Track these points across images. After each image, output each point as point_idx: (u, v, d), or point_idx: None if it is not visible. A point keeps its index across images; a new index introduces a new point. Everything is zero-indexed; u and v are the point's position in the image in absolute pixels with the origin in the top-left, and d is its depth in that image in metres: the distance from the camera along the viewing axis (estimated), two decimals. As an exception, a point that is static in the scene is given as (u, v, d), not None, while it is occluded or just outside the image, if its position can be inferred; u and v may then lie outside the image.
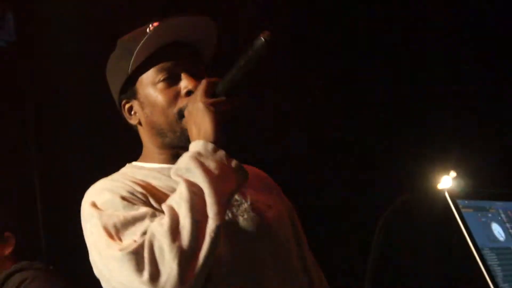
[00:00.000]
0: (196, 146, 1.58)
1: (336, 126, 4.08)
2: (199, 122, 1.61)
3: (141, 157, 1.82)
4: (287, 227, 1.78)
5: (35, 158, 3.59)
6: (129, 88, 1.76)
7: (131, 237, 1.52)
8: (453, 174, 1.54)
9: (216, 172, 1.54)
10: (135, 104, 1.77)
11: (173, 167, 1.58)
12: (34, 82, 3.65)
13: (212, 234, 1.49)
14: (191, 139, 1.62)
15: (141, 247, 1.48)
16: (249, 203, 1.71)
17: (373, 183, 4.00)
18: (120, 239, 1.54)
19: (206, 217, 1.51)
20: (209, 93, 1.61)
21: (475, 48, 4.10)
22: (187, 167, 1.55)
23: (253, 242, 1.66)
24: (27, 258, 2.63)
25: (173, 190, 1.60)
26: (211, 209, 1.51)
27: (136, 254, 1.48)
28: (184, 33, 1.74)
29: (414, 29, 4.12)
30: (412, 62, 4.12)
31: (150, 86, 1.73)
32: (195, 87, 1.66)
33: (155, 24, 1.74)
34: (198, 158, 1.55)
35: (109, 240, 1.54)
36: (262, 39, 1.53)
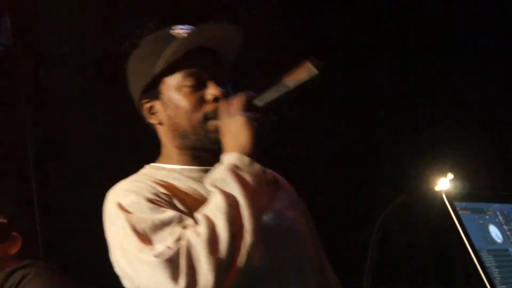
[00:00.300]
0: (232, 158, 1.61)
1: (334, 127, 4.08)
2: (237, 134, 1.63)
3: (160, 158, 1.84)
4: (304, 228, 1.81)
5: (33, 159, 3.59)
6: (152, 89, 1.78)
7: (161, 242, 1.54)
8: (450, 176, 1.54)
9: (252, 185, 1.58)
10: (157, 104, 1.79)
11: (207, 176, 1.62)
12: (32, 85, 3.65)
13: (248, 249, 1.53)
14: (224, 150, 1.65)
15: (176, 255, 1.51)
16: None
17: (371, 185, 4.00)
18: (150, 243, 1.55)
19: (242, 230, 1.54)
20: (247, 107, 1.65)
21: (473, 49, 4.10)
22: (223, 178, 1.58)
23: (274, 243, 1.68)
24: (31, 258, 2.65)
25: (194, 192, 1.66)
26: (247, 223, 1.54)
27: (172, 262, 1.51)
28: (212, 40, 1.77)
29: (414, 29, 4.12)
30: (410, 63, 4.13)
31: (175, 89, 1.75)
32: (221, 94, 1.70)
33: (179, 28, 1.77)
34: (235, 171, 1.59)
35: (141, 244, 1.56)
36: (316, 70, 1.57)
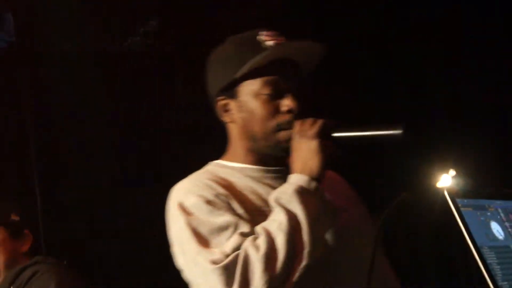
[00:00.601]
0: (300, 180, 1.66)
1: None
2: (308, 157, 1.68)
3: (226, 155, 1.90)
4: (361, 231, 1.84)
5: (35, 157, 3.60)
6: (230, 88, 1.82)
7: (218, 245, 1.63)
8: (452, 172, 1.55)
9: (316, 211, 1.63)
10: (232, 103, 1.83)
11: (273, 193, 1.68)
12: (34, 82, 3.65)
13: (302, 271, 1.58)
14: (293, 169, 1.70)
15: (232, 264, 1.58)
16: (334, 203, 1.75)
17: (371, 182, 4.00)
18: (208, 246, 1.63)
19: (300, 252, 1.59)
20: (322, 133, 1.69)
21: (474, 47, 4.10)
22: (289, 198, 1.63)
23: (329, 245, 1.72)
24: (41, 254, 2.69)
25: (253, 191, 1.74)
26: (306, 247, 1.59)
27: (227, 270, 1.58)
28: (297, 53, 1.81)
29: (414, 29, 4.12)
30: (410, 59, 4.13)
31: (253, 94, 1.79)
32: (296, 108, 1.76)
33: (265, 35, 1.80)
34: (302, 193, 1.63)
35: (199, 247, 1.64)
36: (400, 132, 1.65)
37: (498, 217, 1.62)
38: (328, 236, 1.71)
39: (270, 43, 1.79)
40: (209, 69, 1.88)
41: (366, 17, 4.08)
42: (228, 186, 1.76)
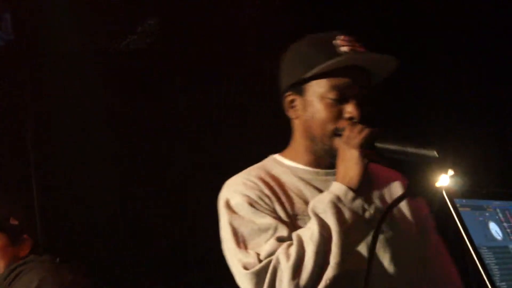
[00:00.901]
0: (338, 189, 1.70)
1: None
2: (349, 166, 1.72)
3: (286, 150, 1.95)
4: (408, 245, 1.85)
5: (33, 157, 3.59)
6: (298, 85, 1.85)
7: (256, 247, 1.71)
8: (450, 172, 1.54)
9: (349, 222, 1.67)
10: (298, 100, 1.87)
11: (312, 201, 1.73)
12: (33, 81, 3.65)
13: (328, 281, 1.64)
14: (336, 176, 1.75)
15: (263, 270, 1.67)
16: (372, 211, 1.78)
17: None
18: (246, 247, 1.73)
19: (327, 263, 1.64)
20: (367, 142, 1.72)
21: (474, 48, 4.10)
22: (324, 208, 1.68)
23: (361, 257, 1.74)
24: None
25: (299, 194, 1.80)
26: (333, 258, 1.64)
27: (258, 275, 1.67)
28: (370, 64, 1.83)
29: (415, 30, 4.11)
30: (410, 62, 4.12)
31: (319, 96, 1.82)
32: (359, 116, 1.78)
33: (342, 39, 1.82)
34: (337, 204, 1.67)
35: (236, 248, 1.74)
36: (436, 155, 1.70)
37: (497, 217, 1.62)
38: (361, 247, 1.74)
39: (345, 48, 1.81)
40: (282, 63, 1.92)
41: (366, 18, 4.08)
42: (276, 187, 1.82)
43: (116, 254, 3.77)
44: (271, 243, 1.69)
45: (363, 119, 1.79)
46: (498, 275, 1.46)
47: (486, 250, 1.49)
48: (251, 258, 1.70)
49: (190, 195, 3.88)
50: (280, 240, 1.70)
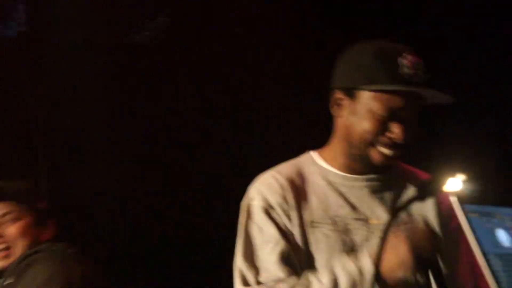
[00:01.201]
0: (366, 265, 1.71)
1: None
2: (396, 266, 1.69)
3: (324, 148, 1.96)
4: (422, 239, 1.79)
5: (42, 149, 3.61)
6: (351, 88, 1.84)
7: (257, 261, 1.79)
8: (460, 177, 1.53)
9: None
10: (347, 102, 1.85)
11: (344, 258, 1.74)
12: (44, 71, 3.66)
13: None
14: (381, 259, 1.71)
15: None
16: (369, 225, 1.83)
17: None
18: (251, 261, 1.79)
19: None
20: (421, 244, 1.70)
21: (479, 50, 4.09)
22: (346, 275, 1.70)
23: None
24: None
25: (322, 199, 1.84)
26: None
27: None
28: (428, 96, 1.85)
29: (415, 30, 4.10)
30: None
31: (367, 108, 1.81)
32: (402, 140, 1.79)
33: (408, 60, 1.82)
34: (361, 282, 1.69)
35: (241, 256, 1.80)
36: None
37: (505, 224, 1.61)
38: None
39: (409, 71, 1.80)
40: (340, 62, 1.90)
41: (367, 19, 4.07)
42: (301, 189, 1.85)
43: (116, 254, 3.77)
44: (273, 266, 1.76)
45: (404, 143, 1.80)
46: (506, 282, 1.45)
47: (494, 257, 1.48)
48: (250, 276, 1.77)
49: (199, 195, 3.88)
50: (283, 255, 1.77)
